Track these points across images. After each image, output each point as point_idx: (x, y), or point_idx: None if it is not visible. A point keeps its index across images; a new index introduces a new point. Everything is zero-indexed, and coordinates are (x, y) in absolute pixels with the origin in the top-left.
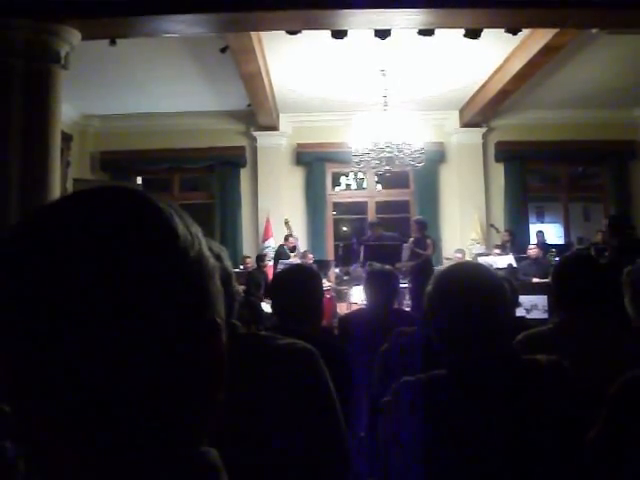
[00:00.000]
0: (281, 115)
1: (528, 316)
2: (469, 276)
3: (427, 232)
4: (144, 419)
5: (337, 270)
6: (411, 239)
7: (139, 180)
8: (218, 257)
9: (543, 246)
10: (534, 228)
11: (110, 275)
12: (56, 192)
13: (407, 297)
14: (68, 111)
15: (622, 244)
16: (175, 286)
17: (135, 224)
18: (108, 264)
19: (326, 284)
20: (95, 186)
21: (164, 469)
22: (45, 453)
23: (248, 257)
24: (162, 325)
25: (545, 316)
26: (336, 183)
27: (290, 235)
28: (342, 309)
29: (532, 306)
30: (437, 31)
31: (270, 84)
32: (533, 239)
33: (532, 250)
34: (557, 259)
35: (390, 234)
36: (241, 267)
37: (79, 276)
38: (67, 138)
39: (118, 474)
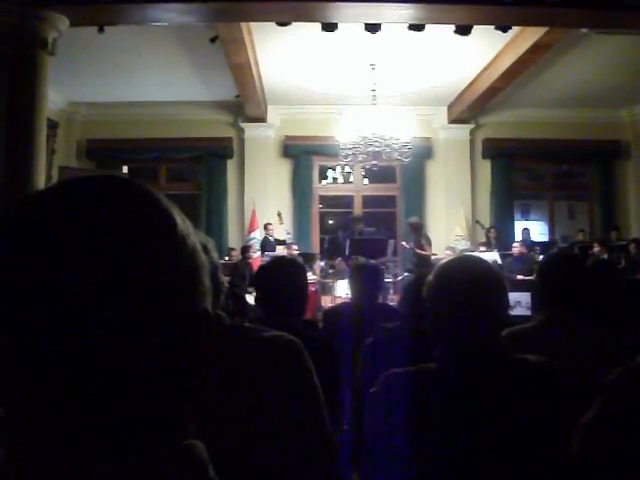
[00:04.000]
0: (269, 107)
1: (511, 313)
2: (471, 269)
3: (422, 232)
4: (132, 410)
5: (322, 263)
6: (411, 244)
7: (125, 169)
8: (204, 248)
9: (528, 243)
10: (519, 225)
11: (109, 263)
12: (41, 179)
13: (391, 292)
14: (54, 98)
15: None
16: (174, 274)
17: (136, 212)
18: (108, 251)
19: (311, 277)
20: (92, 175)
21: (150, 462)
22: (30, 447)
23: (233, 249)
24: (158, 313)
25: (528, 313)
26: (323, 176)
27: (270, 223)
28: (326, 302)
29: (515, 303)
30: (427, 27)
31: (259, 75)
32: (518, 236)
33: (516, 248)
34: (541, 257)
35: (369, 230)
36: (226, 258)
37: (77, 264)
38: (53, 125)
39: (103, 468)
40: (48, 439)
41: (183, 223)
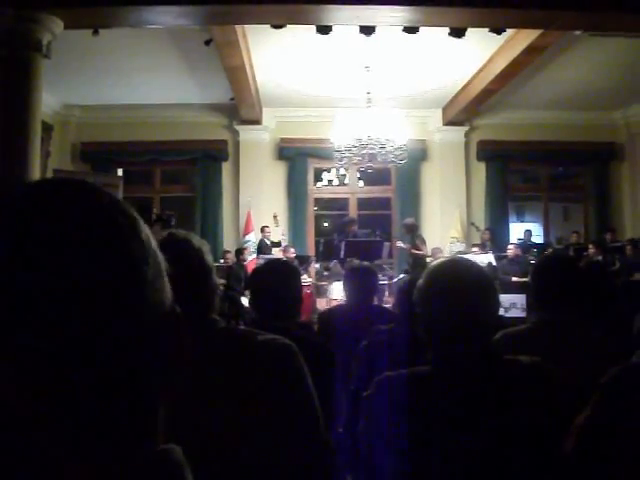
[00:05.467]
0: (264, 109)
1: (507, 315)
2: (462, 272)
3: (417, 233)
4: (104, 414)
5: (317, 266)
6: (407, 244)
7: (120, 172)
8: (199, 251)
9: (528, 245)
10: (514, 227)
11: (68, 263)
12: None
13: (387, 294)
14: (49, 101)
15: None
16: (140, 274)
17: (101, 214)
18: (70, 253)
19: (306, 280)
20: (55, 178)
21: (128, 468)
22: (22, 445)
23: (228, 252)
24: (126, 314)
25: (523, 315)
26: (318, 179)
27: (267, 226)
28: (322, 305)
29: (511, 305)
30: (422, 29)
31: (254, 78)
32: (513, 238)
33: (511, 250)
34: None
35: (364, 232)
36: (221, 261)
37: (38, 265)
38: (48, 128)
39: (82, 474)
40: (34, 440)
41: (142, 224)
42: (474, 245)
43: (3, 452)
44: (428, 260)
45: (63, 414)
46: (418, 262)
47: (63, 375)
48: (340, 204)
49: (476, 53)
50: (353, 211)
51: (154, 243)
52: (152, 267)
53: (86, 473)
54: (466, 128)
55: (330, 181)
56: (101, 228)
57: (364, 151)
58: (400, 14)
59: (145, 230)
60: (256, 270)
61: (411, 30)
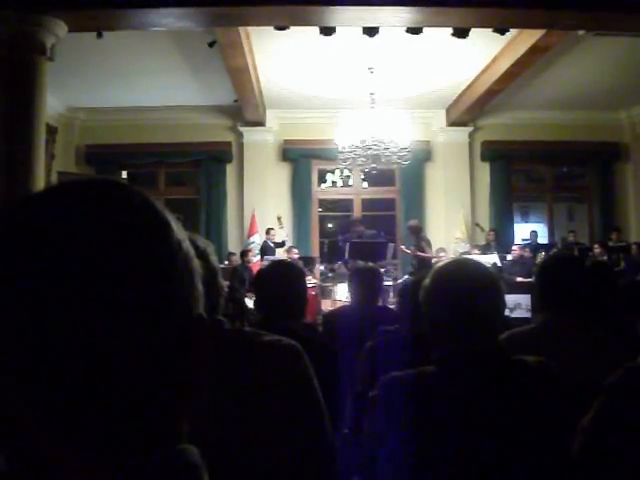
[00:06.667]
0: (268, 111)
1: (511, 315)
2: (468, 272)
3: (422, 234)
4: (127, 414)
5: (322, 267)
6: (411, 248)
7: (124, 174)
8: (204, 252)
9: (535, 245)
10: (519, 228)
11: (100, 266)
12: (40, 185)
13: (391, 294)
14: (53, 103)
15: None
16: (170, 279)
17: (133, 217)
18: (100, 255)
19: (311, 281)
20: (89, 178)
21: (143, 467)
22: (26, 453)
23: (233, 254)
24: (155, 318)
25: (528, 315)
26: (322, 180)
27: (272, 228)
28: (326, 306)
29: (515, 305)
30: (425, 30)
31: (257, 79)
32: (517, 239)
33: (515, 250)
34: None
35: (370, 232)
36: (226, 263)
37: (70, 267)
38: (52, 130)
39: (97, 472)
40: (45, 444)
41: (177, 228)
42: (474, 246)
43: (12, 452)
44: (433, 262)
45: (77, 414)
46: (423, 264)
47: (79, 374)
48: (344, 205)
49: (480, 53)
50: (357, 212)
51: (187, 249)
52: (180, 274)
53: (97, 473)
54: (470, 129)
55: (334, 182)
56: (125, 231)
57: (368, 152)
58: (403, 15)
59: (176, 235)
60: (261, 271)
61: (414, 31)
